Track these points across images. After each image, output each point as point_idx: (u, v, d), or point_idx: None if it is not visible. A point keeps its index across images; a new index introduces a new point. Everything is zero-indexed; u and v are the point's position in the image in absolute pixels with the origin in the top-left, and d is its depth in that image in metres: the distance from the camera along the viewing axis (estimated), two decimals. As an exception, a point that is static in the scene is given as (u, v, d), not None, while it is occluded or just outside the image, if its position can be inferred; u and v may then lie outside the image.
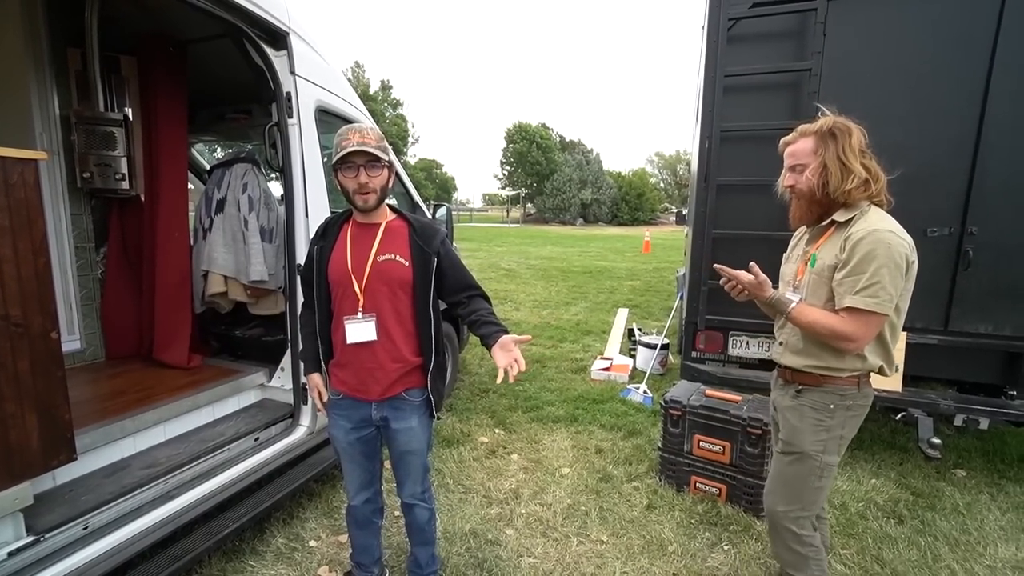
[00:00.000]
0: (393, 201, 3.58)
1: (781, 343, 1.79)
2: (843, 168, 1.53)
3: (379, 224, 1.70)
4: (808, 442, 1.67)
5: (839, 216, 1.59)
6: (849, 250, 1.51)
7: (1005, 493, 2.86)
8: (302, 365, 1.96)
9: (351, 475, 1.87)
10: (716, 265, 1.77)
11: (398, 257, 1.66)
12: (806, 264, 1.68)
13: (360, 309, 1.65)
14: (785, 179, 1.70)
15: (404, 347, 1.71)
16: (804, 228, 1.81)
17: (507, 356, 1.56)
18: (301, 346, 1.93)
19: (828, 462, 1.66)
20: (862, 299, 1.49)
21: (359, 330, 1.65)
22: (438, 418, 1.89)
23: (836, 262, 1.56)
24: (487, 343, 1.63)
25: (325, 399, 1.85)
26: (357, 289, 1.65)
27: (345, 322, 1.66)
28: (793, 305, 1.62)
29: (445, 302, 1.79)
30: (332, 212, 2.76)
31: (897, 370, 1.67)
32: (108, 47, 2.75)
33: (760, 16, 2.93)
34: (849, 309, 1.52)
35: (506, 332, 1.61)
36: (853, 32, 2.78)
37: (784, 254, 1.88)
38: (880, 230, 1.49)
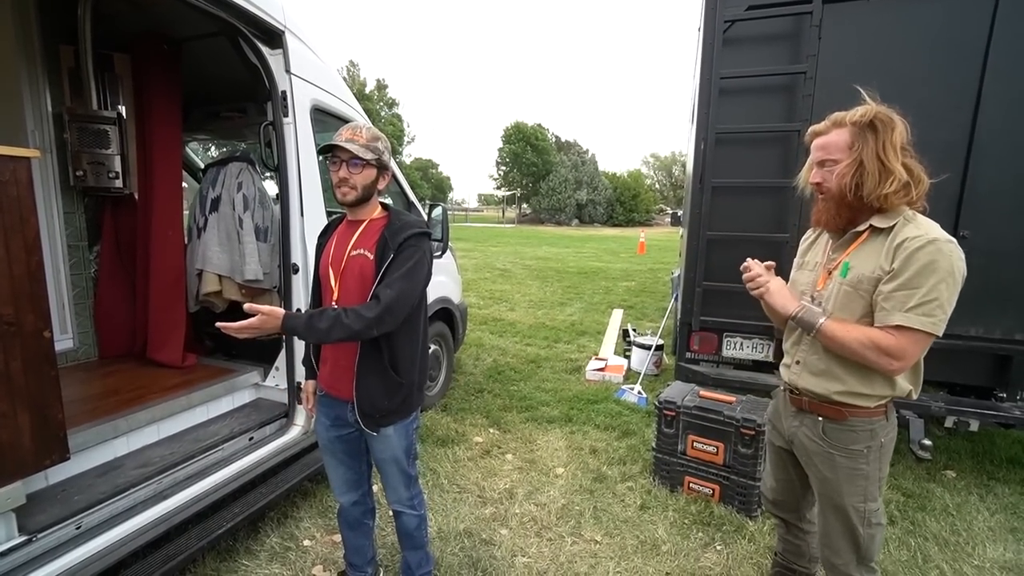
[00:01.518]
0: (388, 200, 3.58)
1: (798, 362, 1.58)
2: (882, 168, 1.34)
3: (363, 221, 1.71)
4: (847, 495, 1.50)
5: (878, 222, 1.40)
6: (903, 260, 1.31)
7: (994, 494, 2.89)
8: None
9: (334, 473, 1.88)
10: (748, 262, 1.61)
11: (365, 251, 1.64)
12: (830, 273, 1.50)
13: (334, 302, 1.67)
14: (812, 175, 1.48)
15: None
16: (811, 238, 1.67)
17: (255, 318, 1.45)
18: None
19: (872, 508, 1.51)
20: (916, 317, 1.31)
21: None
22: (374, 433, 1.72)
23: (880, 274, 1.36)
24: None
25: (311, 406, 1.92)
26: (333, 282, 1.68)
27: None
28: (822, 320, 1.43)
29: None
30: (327, 211, 2.76)
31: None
32: (101, 44, 2.73)
33: (756, 19, 2.94)
34: (898, 328, 1.33)
35: (293, 318, 1.50)
36: (847, 36, 2.80)
37: (795, 259, 1.72)
38: (941, 240, 1.30)
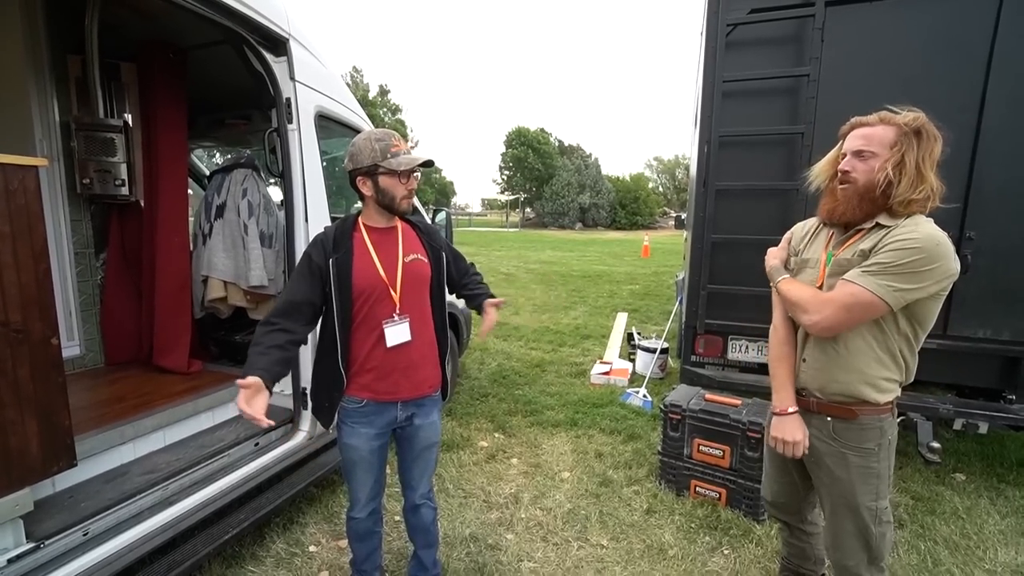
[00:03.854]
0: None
1: (804, 359, 1.59)
2: (918, 175, 1.36)
3: (396, 227, 1.75)
4: (860, 494, 1.51)
5: (884, 220, 1.41)
6: (889, 241, 1.36)
7: (1005, 497, 2.86)
8: (252, 367, 1.49)
9: (364, 485, 1.81)
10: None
11: (419, 256, 1.76)
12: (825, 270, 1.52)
13: (395, 314, 1.68)
14: (843, 163, 1.46)
15: (429, 342, 1.80)
16: (810, 232, 1.64)
17: (489, 316, 1.95)
18: (260, 353, 1.53)
19: (882, 506, 1.52)
20: (862, 276, 1.35)
21: (397, 332, 1.68)
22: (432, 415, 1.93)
23: (866, 257, 1.40)
24: (478, 306, 1.98)
25: (256, 414, 1.43)
26: (393, 293, 1.67)
27: (384, 326, 1.66)
28: (780, 279, 1.56)
29: (453, 288, 1.98)
30: (332, 217, 2.77)
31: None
32: (108, 54, 2.77)
33: (758, 22, 2.94)
34: (843, 280, 1.39)
35: (490, 296, 1.99)
36: (851, 38, 2.79)
37: (793, 257, 1.68)
38: (938, 236, 1.33)
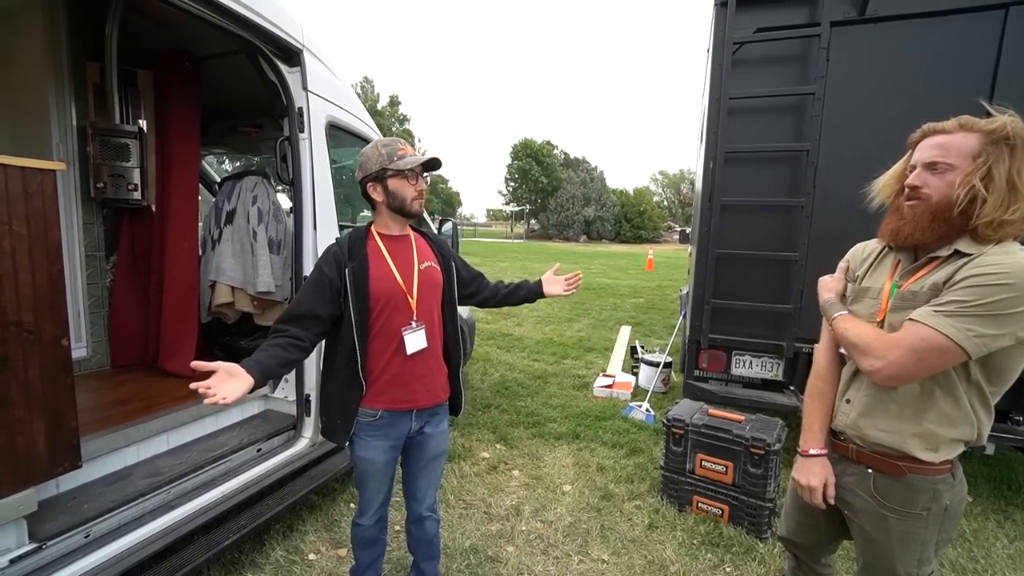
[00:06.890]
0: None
1: (848, 400, 1.37)
2: (1011, 191, 1.11)
3: (410, 235, 1.77)
4: (899, 561, 1.29)
5: (965, 246, 1.16)
6: (970, 274, 1.11)
7: (1012, 521, 2.82)
8: (249, 358, 1.51)
9: (376, 496, 1.82)
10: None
11: (432, 263, 1.77)
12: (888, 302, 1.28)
13: (413, 322, 1.68)
14: (913, 176, 1.22)
15: (440, 350, 1.80)
16: (872, 256, 1.41)
17: (560, 284, 2.08)
18: (261, 349, 1.52)
19: (926, 571, 1.29)
20: (934, 315, 1.11)
21: (416, 339, 1.67)
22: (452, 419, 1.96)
23: (938, 291, 1.16)
24: (537, 292, 2.10)
25: (220, 397, 1.42)
26: (411, 301, 1.67)
27: (403, 333, 1.65)
28: (839, 313, 1.33)
29: (462, 295, 1.96)
30: (340, 225, 2.80)
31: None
32: (126, 61, 2.82)
33: (764, 40, 2.98)
34: (911, 321, 1.15)
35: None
36: (856, 57, 2.82)
37: (850, 285, 1.44)
38: None
